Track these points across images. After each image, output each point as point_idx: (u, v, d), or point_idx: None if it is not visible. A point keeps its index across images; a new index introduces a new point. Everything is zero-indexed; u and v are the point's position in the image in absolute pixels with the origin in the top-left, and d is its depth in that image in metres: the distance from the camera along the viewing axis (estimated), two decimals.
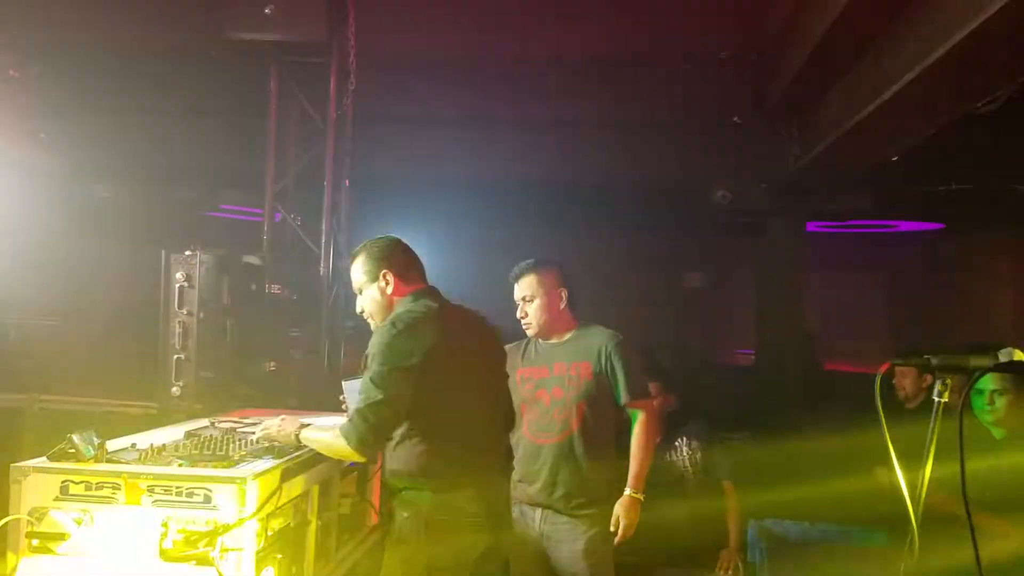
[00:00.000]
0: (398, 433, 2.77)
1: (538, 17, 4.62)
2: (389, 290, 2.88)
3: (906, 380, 4.61)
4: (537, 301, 3.56)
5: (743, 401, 6.61)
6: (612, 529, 3.45)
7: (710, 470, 4.57)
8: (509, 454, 3.33)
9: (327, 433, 2.77)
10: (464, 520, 2.75)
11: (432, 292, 2.92)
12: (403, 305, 2.85)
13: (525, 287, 3.58)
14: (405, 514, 2.75)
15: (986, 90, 3.50)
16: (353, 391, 3.24)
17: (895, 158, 4.75)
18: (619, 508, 3.46)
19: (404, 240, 2.99)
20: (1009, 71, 3.25)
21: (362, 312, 2.98)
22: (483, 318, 3.19)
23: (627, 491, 3.48)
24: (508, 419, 3.16)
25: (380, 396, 2.63)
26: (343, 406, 3.26)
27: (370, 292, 2.92)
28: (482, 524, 2.80)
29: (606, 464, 3.55)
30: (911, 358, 2.28)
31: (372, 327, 2.92)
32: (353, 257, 2.98)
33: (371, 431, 2.62)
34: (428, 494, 2.73)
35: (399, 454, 2.80)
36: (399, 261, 2.90)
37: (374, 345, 2.70)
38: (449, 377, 2.73)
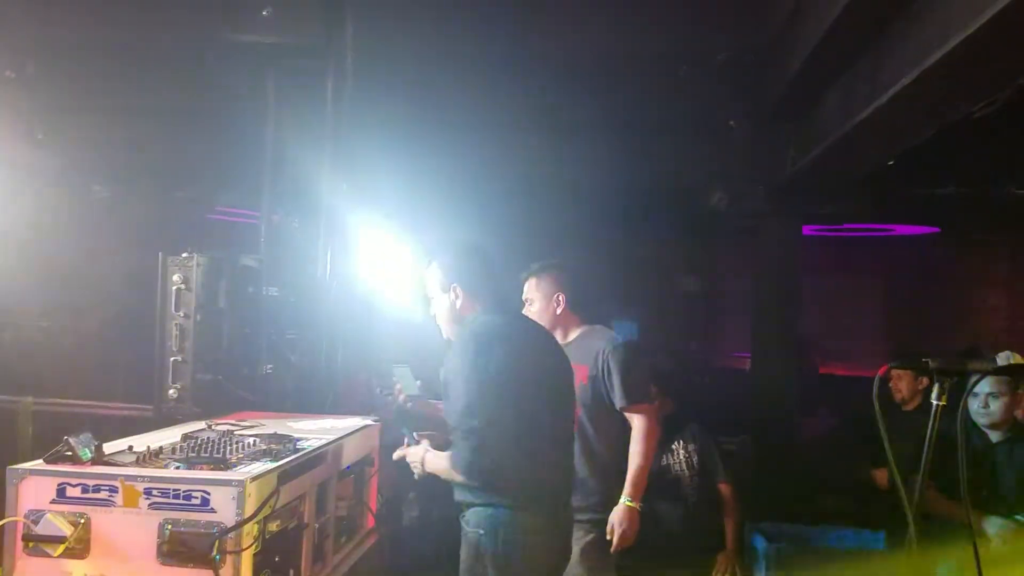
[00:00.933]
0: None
1: (535, 19, 4.62)
2: (459, 304, 2.91)
3: (902, 383, 4.64)
4: (536, 305, 3.60)
5: (739, 404, 6.61)
6: (608, 538, 3.44)
7: (707, 473, 4.57)
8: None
9: (441, 460, 2.80)
10: (533, 539, 2.72)
11: (502, 304, 2.94)
12: (473, 317, 2.87)
13: (526, 291, 3.64)
14: (481, 531, 2.74)
15: (983, 93, 3.50)
16: (406, 378, 3.25)
17: (891, 162, 4.75)
18: (614, 516, 3.44)
19: (478, 245, 3.02)
20: (1006, 75, 3.26)
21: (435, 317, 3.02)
22: (548, 331, 3.23)
23: (623, 499, 3.46)
24: (572, 433, 3.14)
25: (475, 422, 2.65)
26: (397, 391, 3.26)
27: (440, 301, 2.94)
28: (552, 545, 2.80)
29: (604, 469, 3.53)
30: (909, 361, 2.29)
31: (443, 333, 2.96)
32: (428, 262, 2.99)
33: (475, 454, 2.66)
34: (502, 511, 2.71)
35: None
36: (471, 273, 2.91)
37: (459, 364, 2.71)
38: (520, 392, 2.73)
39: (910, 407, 4.65)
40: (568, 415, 3.02)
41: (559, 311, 3.63)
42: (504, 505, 2.71)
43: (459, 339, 2.84)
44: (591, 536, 3.50)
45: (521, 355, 2.81)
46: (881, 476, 4.56)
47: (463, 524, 2.83)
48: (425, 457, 2.86)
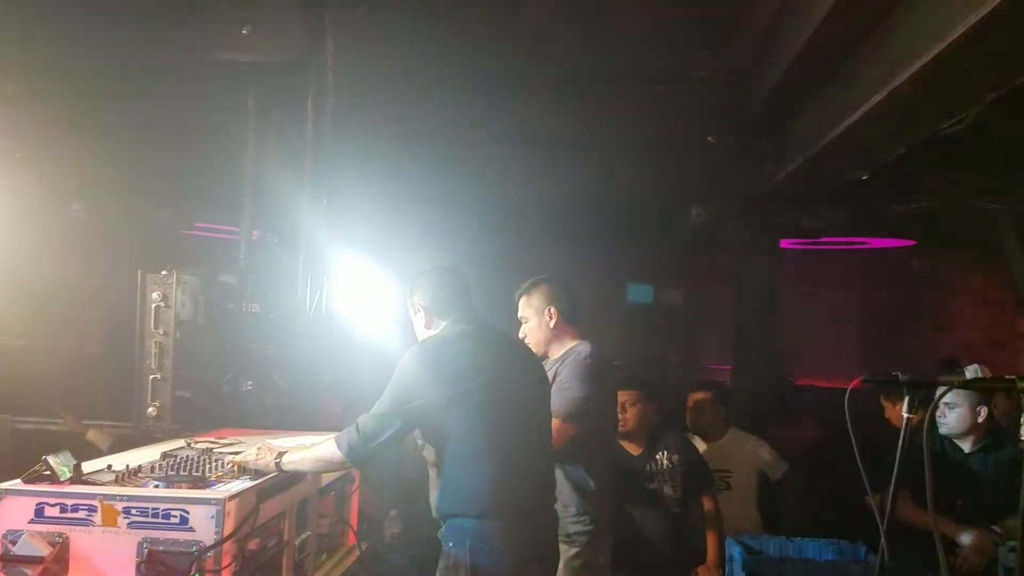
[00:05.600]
0: (438, 459, 2.81)
1: (514, 39, 4.67)
2: (422, 321, 2.99)
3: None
4: (530, 323, 3.57)
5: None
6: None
7: (690, 484, 4.58)
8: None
9: (314, 448, 2.81)
10: (507, 549, 2.72)
11: (469, 318, 2.96)
12: (437, 331, 2.94)
13: (520, 309, 3.62)
14: (450, 543, 2.76)
15: (952, 111, 3.58)
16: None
17: (865, 177, 4.83)
18: None
19: (444, 267, 3.08)
20: (974, 92, 3.33)
21: None
22: (520, 341, 3.23)
23: None
24: (549, 443, 3.11)
25: (383, 410, 2.71)
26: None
27: (414, 320, 3.04)
28: (526, 555, 2.78)
29: (575, 483, 3.48)
30: (881, 375, 2.32)
31: None
32: (408, 287, 3.08)
33: (364, 440, 2.69)
34: (471, 521, 2.73)
35: (440, 481, 2.81)
36: (431, 292, 2.98)
37: (398, 365, 2.78)
38: (486, 402, 2.76)
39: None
40: (537, 425, 3.00)
41: (552, 324, 3.56)
42: (472, 515, 2.73)
43: (416, 344, 2.90)
44: (574, 551, 3.48)
45: (487, 364, 2.83)
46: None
47: (440, 538, 2.84)
48: (283, 460, 2.78)
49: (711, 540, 4.57)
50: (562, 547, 3.39)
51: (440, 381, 2.72)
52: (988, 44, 2.80)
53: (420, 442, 2.95)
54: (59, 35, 4.37)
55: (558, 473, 3.43)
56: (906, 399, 2.18)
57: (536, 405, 3.02)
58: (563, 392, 3.37)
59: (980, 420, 3.86)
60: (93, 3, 4.37)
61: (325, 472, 3.08)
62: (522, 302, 3.62)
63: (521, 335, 3.57)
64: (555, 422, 3.27)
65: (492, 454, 2.75)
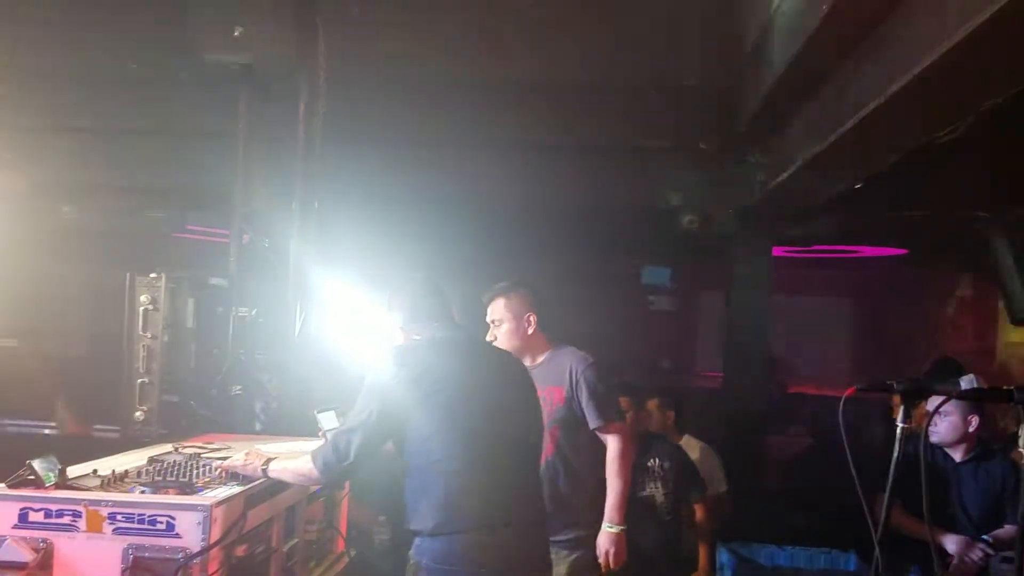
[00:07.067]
0: (406, 472, 2.76)
1: (506, 43, 4.66)
2: (400, 334, 2.97)
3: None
4: (505, 326, 3.54)
5: (711, 423, 6.64)
6: (600, 562, 3.43)
7: (682, 491, 4.57)
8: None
9: (296, 460, 2.78)
10: (464, 568, 2.64)
11: (447, 327, 2.93)
12: (413, 341, 2.91)
13: (493, 311, 3.58)
14: (411, 560, 2.71)
15: (946, 120, 3.57)
16: (328, 422, 3.24)
17: (858, 185, 4.82)
18: (602, 543, 3.44)
19: (421, 275, 3.09)
20: (969, 102, 3.33)
21: None
22: (506, 352, 3.23)
23: (606, 525, 3.42)
24: (536, 458, 3.04)
25: (354, 424, 2.66)
26: (321, 435, 3.24)
27: (391, 334, 3.02)
28: (492, 568, 2.68)
29: (585, 489, 3.51)
30: (876, 384, 2.31)
31: None
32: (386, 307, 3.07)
33: (338, 458, 2.65)
34: (427, 539, 2.67)
35: (407, 495, 2.77)
36: (409, 303, 2.98)
37: (367, 376, 2.74)
38: (449, 414, 2.70)
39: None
40: (514, 436, 2.88)
41: (530, 331, 3.55)
42: (428, 532, 2.67)
43: (388, 354, 2.86)
44: (575, 555, 3.47)
45: (458, 374, 2.80)
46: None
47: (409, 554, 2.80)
48: (269, 467, 2.76)
49: (702, 548, 4.57)
50: (559, 552, 3.39)
51: (404, 389, 2.68)
52: (985, 53, 2.80)
53: (391, 445, 2.90)
54: (48, 36, 4.34)
55: (554, 479, 3.43)
56: (900, 408, 2.17)
57: (515, 416, 2.91)
58: (595, 397, 3.42)
59: (971, 429, 3.87)
60: (83, 5, 4.35)
61: (305, 485, 3.03)
62: (499, 304, 3.56)
63: (490, 338, 3.54)
64: (615, 427, 3.47)
65: (452, 467, 2.67)
